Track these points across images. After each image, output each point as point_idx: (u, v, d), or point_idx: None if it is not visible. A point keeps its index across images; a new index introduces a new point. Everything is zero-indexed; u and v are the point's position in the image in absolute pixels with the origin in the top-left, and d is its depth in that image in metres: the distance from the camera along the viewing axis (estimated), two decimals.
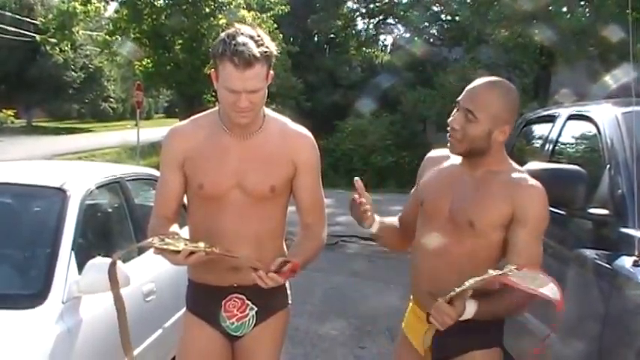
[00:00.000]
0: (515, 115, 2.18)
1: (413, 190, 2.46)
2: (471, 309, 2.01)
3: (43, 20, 23.96)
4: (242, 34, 2.16)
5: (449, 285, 2.09)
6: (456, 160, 2.28)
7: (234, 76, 2.14)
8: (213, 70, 2.25)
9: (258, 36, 2.19)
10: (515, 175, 2.17)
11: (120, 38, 21.65)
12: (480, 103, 2.11)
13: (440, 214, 2.21)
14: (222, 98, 2.22)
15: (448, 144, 2.21)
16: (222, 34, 2.22)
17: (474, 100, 2.12)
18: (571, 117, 3.83)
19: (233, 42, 2.13)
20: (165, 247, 2.09)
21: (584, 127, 3.63)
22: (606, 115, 3.31)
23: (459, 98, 2.16)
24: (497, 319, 2.26)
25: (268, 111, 2.42)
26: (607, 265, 2.64)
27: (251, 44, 2.14)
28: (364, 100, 18.99)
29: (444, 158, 2.34)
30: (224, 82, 2.17)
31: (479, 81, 2.17)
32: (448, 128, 2.18)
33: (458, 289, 1.96)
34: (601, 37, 11.52)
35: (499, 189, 2.12)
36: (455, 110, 2.17)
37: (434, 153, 2.43)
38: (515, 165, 2.24)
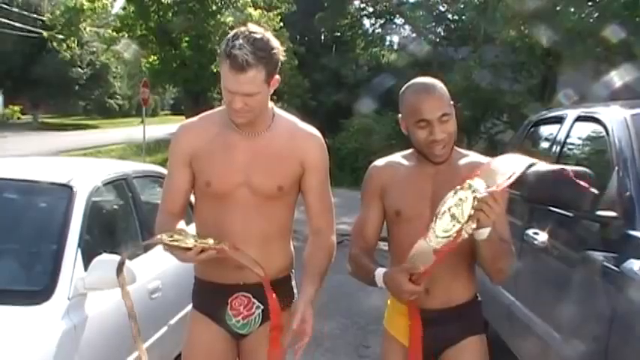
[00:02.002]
0: None
1: (368, 209, 2.45)
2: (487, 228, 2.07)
3: (50, 16, 23.99)
4: (244, 36, 2.13)
5: (441, 280, 2.24)
6: (412, 162, 2.38)
7: (228, 77, 2.14)
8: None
9: (262, 39, 2.15)
10: (470, 159, 2.32)
11: (126, 35, 21.68)
12: (446, 102, 2.24)
13: (421, 218, 2.24)
14: (223, 96, 2.23)
15: (436, 158, 2.26)
16: (230, 34, 2.20)
17: (439, 104, 2.22)
18: (579, 118, 3.82)
19: (230, 44, 2.12)
20: (175, 243, 2.08)
21: (592, 129, 3.61)
22: (615, 117, 3.30)
23: (424, 117, 2.22)
24: (478, 307, 2.38)
25: (278, 110, 2.41)
26: (614, 268, 2.62)
27: (247, 49, 2.10)
28: (370, 99, 18.92)
29: (395, 164, 2.43)
30: (222, 81, 2.18)
31: (420, 90, 2.28)
32: (436, 144, 2.23)
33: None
34: (608, 37, 11.49)
35: (464, 173, 2.18)
36: (421, 130, 2.24)
37: (380, 163, 2.48)
38: (461, 150, 2.38)
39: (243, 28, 2.19)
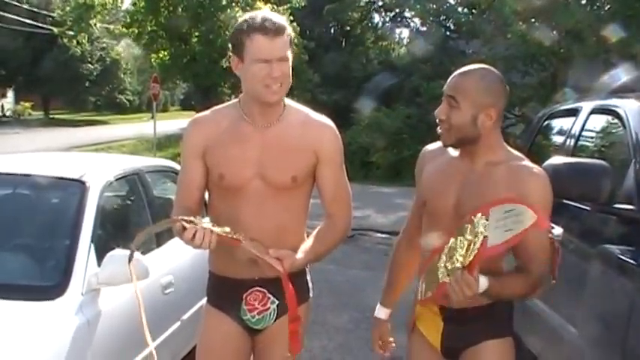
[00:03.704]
0: (499, 98, 2.15)
1: (415, 193, 2.43)
2: (484, 282, 1.94)
3: (61, 13, 24.09)
4: (260, 13, 2.25)
5: None
6: (455, 153, 2.26)
7: (265, 45, 2.19)
8: (234, 56, 2.26)
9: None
10: (515, 163, 2.14)
11: (136, 31, 21.75)
12: (459, 89, 2.12)
13: (445, 213, 2.18)
14: (253, 75, 2.22)
15: (440, 137, 2.21)
16: (241, 19, 2.28)
17: (453, 86, 2.15)
18: (594, 111, 3.77)
19: (260, 16, 2.22)
20: (191, 224, 2.06)
21: (609, 121, 3.57)
22: (632, 108, 3.25)
23: (444, 88, 2.18)
24: (507, 307, 2.25)
25: (289, 101, 2.40)
26: (631, 262, 2.59)
27: (275, 16, 2.25)
28: (380, 94, 18.89)
29: (441, 152, 2.31)
30: (255, 55, 2.20)
31: (460, 70, 2.19)
32: (437, 120, 2.18)
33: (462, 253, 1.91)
34: (617, 31, 11.43)
35: (501, 180, 2.09)
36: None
37: (431, 147, 2.40)
38: (514, 152, 2.20)
39: (251, 12, 2.29)
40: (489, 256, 1.91)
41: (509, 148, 2.21)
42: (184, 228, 2.07)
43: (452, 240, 1.99)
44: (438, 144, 2.34)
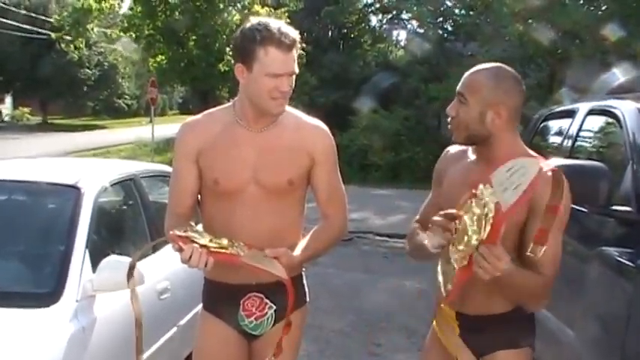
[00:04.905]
0: (511, 96, 2.10)
1: (432, 191, 2.38)
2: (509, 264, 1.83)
3: (58, 18, 24.09)
4: (273, 22, 2.21)
5: (474, 285, 2.01)
6: (473, 156, 2.22)
7: (279, 59, 2.17)
8: (239, 64, 2.23)
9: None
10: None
11: (134, 35, 21.74)
12: (468, 85, 2.11)
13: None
14: (261, 86, 2.20)
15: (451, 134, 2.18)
16: (249, 25, 2.22)
17: (464, 83, 2.13)
18: (591, 112, 3.76)
19: (275, 27, 2.18)
20: (190, 234, 2.06)
21: (606, 122, 3.56)
22: (629, 110, 3.24)
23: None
24: (526, 316, 2.18)
25: None
26: (629, 264, 2.57)
27: (288, 28, 2.20)
28: (378, 96, 18.88)
29: (462, 154, 2.28)
30: (267, 69, 2.17)
31: (474, 67, 2.17)
32: (448, 119, 2.17)
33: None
34: (614, 32, 11.44)
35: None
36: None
37: (452, 149, 2.35)
38: (529, 152, 2.13)
39: (259, 19, 2.25)
40: (508, 220, 1.81)
41: (526, 148, 2.15)
42: (181, 249, 2.06)
43: (458, 223, 1.90)
44: (460, 146, 2.30)
